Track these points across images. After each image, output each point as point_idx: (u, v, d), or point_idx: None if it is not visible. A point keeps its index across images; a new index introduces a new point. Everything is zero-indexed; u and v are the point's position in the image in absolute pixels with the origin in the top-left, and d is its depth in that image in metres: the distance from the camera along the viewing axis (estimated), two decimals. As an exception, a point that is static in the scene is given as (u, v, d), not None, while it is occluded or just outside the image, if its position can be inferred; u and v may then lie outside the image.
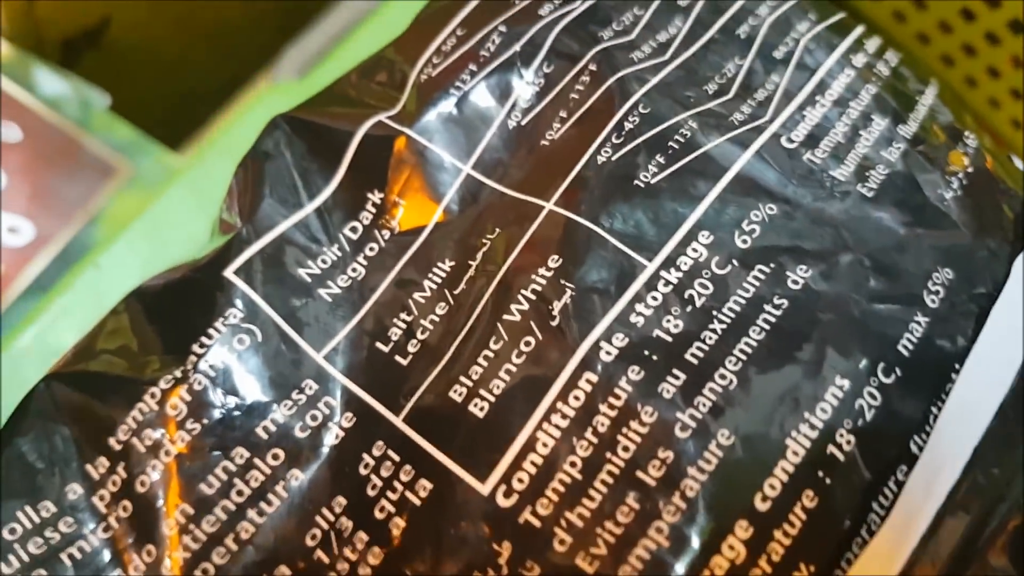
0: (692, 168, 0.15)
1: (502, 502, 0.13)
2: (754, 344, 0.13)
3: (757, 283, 0.14)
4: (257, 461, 0.15)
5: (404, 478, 0.14)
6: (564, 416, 0.13)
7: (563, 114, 0.17)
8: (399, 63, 0.18)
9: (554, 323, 0.14)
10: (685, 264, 0.14)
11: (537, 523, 0.13)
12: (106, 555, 0.14)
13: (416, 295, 0.16)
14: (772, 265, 0.14)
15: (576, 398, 0.13)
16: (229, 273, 0.16)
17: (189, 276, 0.16)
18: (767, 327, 0.14)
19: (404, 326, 0.15)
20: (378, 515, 0.14)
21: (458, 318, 0.15)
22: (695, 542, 0.12)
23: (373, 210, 0.17)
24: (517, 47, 0.17)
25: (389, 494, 0.14)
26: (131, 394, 0.15)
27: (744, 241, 0.14)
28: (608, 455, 0.13)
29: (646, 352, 0.14)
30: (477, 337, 0.15)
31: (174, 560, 0.14)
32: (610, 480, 0.13)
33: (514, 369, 0.14)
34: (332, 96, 0.18)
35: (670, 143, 0.16)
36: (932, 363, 0.13)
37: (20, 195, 0.26)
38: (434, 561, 0.13)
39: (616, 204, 0.15)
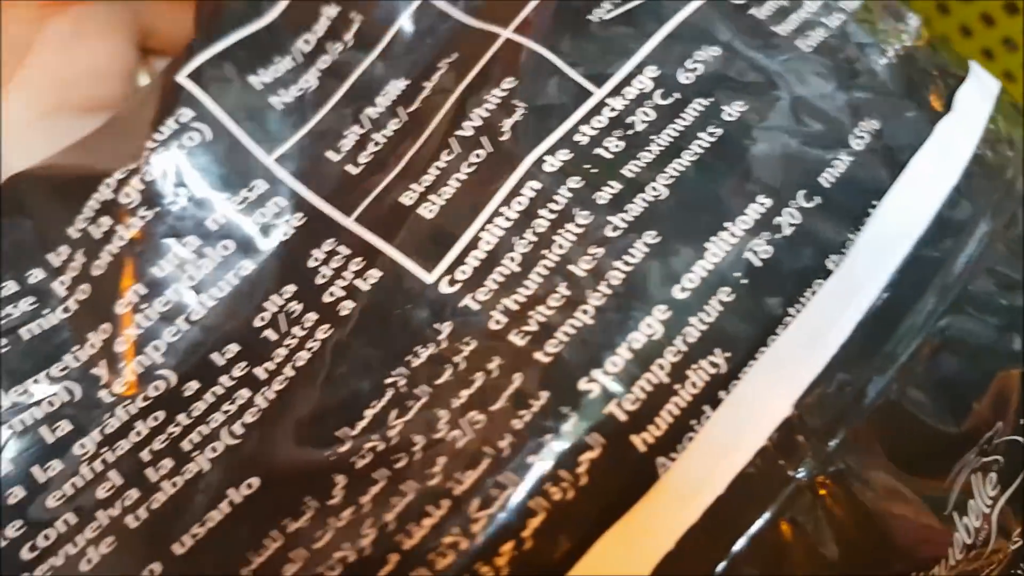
0: (645, 8, 0.16)
1: (445, 289, 0.14)
2: (685, 165, 0.14)
3: (696, 114, 0.15)
4: (207, 250, 0.15)
5: (353, 268, 0.15)
6: (507, 219, 0.14)
7: None
8: None
9: (503, 138, 0.15)
10: (630, 94, 0.15)
11: (476, 306, 0.14)
12: (64, 333, 0.15)
13: (368, 110, 0.16)
14: (710, 99, 0.15)
15: (519, 203, 0.14)
16: (181, 77, 0.16)
17: (147, 86, 0.17)
18: (700, 151, 0.15)
19: (356, 139, 0.16)
20: (326, 299, 0.15)
21: (411, 135, 0.16)
22: (615, 321, 0.13)
23: (327, 23, 0.17)
24: None
25: (338, 282, 0.15)
26: (88, 186, 0.16)
27: (687, 78, 0.15)
28: (544, 252, 0.14)
29: (586, 166, 0.14)
30: (430, 152, 0.15)
31: (127, 337, 0.15)
32: (544, 272, 0.14)
33: (464, 177, 0.15)
34: None
35: None
36: (852, 195, 0.14)
37: None
38: (380, 337, 0.14)
39: (570, 35, 0.16)
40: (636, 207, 0.14)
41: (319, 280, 0.15)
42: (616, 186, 0.14)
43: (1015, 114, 0.17)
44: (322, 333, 0.14)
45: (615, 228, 0.14)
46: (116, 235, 0.15)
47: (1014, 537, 0.15)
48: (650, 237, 0.14)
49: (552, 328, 0.13)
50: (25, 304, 0.15)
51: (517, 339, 0.13)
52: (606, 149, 0.15)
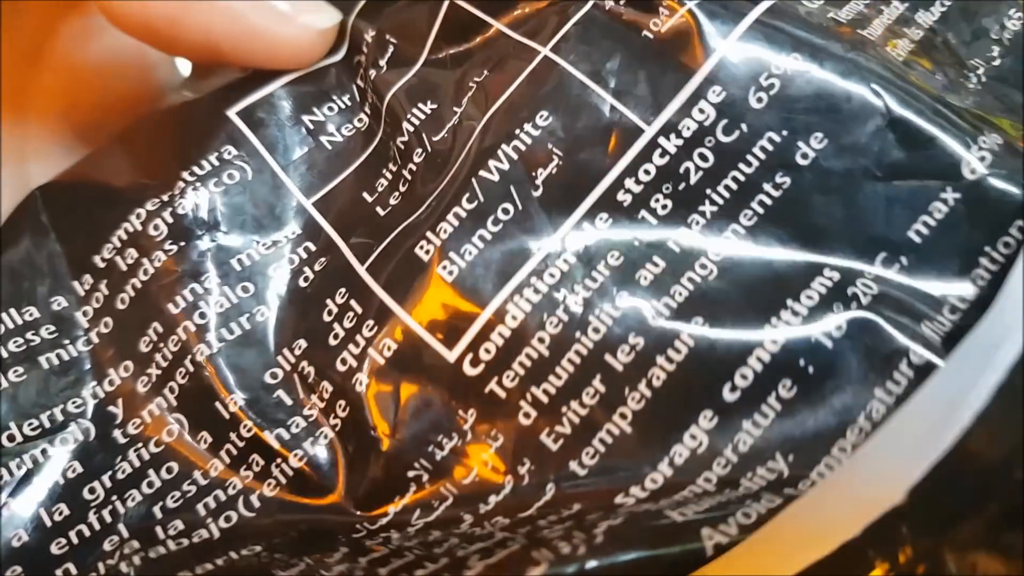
0: (708, 10, 0.13)
1: (468, 371, 0.13)
2: (742, 232, 0.13)
3: (763, 156, 0.13)
4: (227, 289, 0.15)
5: (367, 332, 0.13)
6: (537, 291, 0.13)
7: None
8: None
9: (537, 193, 0.13)
10: (687, 129, 0.13)
11: (503, 394, 0.13)
12: (85, 365, 0.15)
13: (398, 140, 0.15)
14: (784, 132, 0.13)
15: (552, 275, 0.13)
16: (232, 112, 0.16)
17: (191, 108, 0.16)
18: (761, 211, 0.13)
19: (390, 176, 0.15)
20: (340, 367, 0.13)
21: (435, 167, 0.14)
22: (657, 430, 0.12)
23: (366, 50, 0.16)
24: None
25: (351, 347, 0.13)
26: (118, 212, 0.15)
27: (759, 99, 0.13)
28: (578, 335, 0.12)
29: (628, 237, 0.13)
30: (453, 192, 0.14)
31: (148, 376, 0.14)
32: (577, 360, 0.12)
33: (488, 237, 0.13)
34: None
35: None
36: (955, 245, 0.12)
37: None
38: (397, 419, 0.13)
39: (620, 56, 0.14)
40: (682, 289, 0.12)
41: (332, 340, 0.14)
42: (660, 264, 0.13)
43: None
44: (341, 410, 0.13)
45: (657, 315, 0.12)
46: (141, 268, 0.15)
47: None
48: (697, 325, 0.12)
49: (587, 433, 0.12)
50: (45, 332, 0.15)
51: (549, 441, 0.12)
52: (652, 212, 0.13)
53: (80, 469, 0.14)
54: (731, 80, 0.13)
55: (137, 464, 0.14)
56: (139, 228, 0.15)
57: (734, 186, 0.13)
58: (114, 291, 0.15)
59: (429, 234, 0.13)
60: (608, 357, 0.12)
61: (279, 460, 0.13)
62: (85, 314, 0.15)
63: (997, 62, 0.14)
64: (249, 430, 0.14)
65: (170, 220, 0.15)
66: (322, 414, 0.14)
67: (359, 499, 0.13)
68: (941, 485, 0.11)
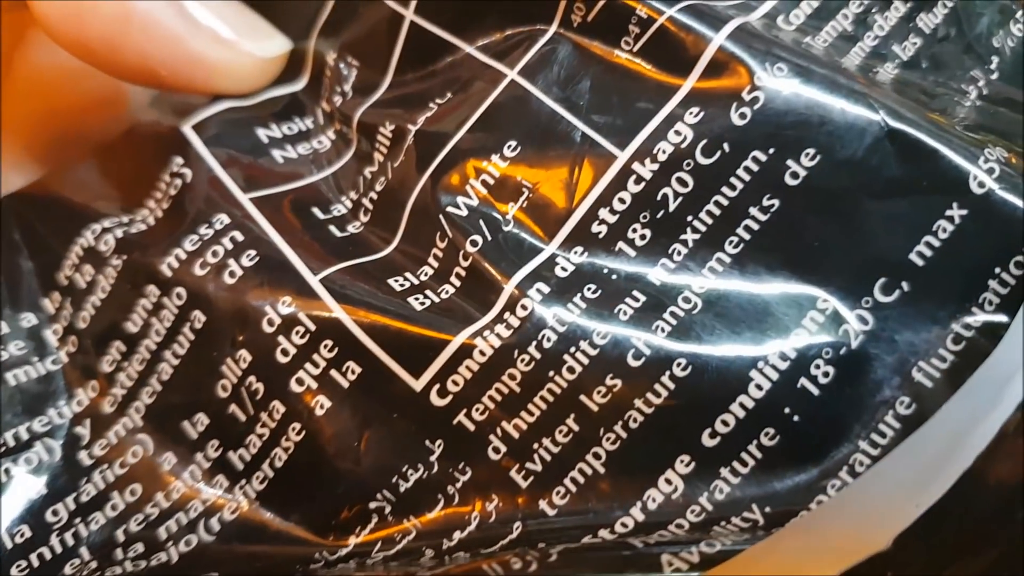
0: (683, 25, 0.12)
1: (436, 401, 0.12)
2: (727, 261, 0.12)
3: (748, 176, 0.12)
4: (165, 300, 0.14)
5: (325, 353, 0.13)
6: (509, 327, 0.12)
7: None
8: None
9: (507, 228, 0.13)
10: (663, 152, 0.12)
11: (471, 427, 0.12)
12: (55, 384, 0.14)
13: (365, 169, 0.15)
14: (771, 150, 0.12)
15: (524, 307, 0.12)
16: (186, 127, 0.15)
17: (152, 126, 0.16)
18: (747, 237, 0.12)
19: (350, 204, 0.15)
20: (295, 388, 0.13)
21: (399, 198, 0.14)
22: (632, 473, 0.11)
23: (330, 75, 0.16)
24: None
25: (308, 367, 0.13)
26: (76, 228, 0.15)
27: (742, 115, 0.12)
28: (551, 374, 0.12)
29: (605, 270, 0.12)
30: (425, 228, 0.13)
31: (113, 396, 0.14)
32: (551, 398, 0.12)
33: (463, 273, 0.13)
34: None
35: None
36: (961, 269, 0.11)
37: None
38: (361, 448, 0.12)
39: (589, 79, 0.13)
40: (664, 324, 0.12)
41: (280, 358, 0.13)
42: (640, 298, 0.12)
43: None
44: (295, 434, 0.13)
45: (637, 354, 0.12)
46: (99, 286, 0.14)
47: None
48: (678, 368, 0.11)
49: (558, 472, 0.12)
50: (14, 348, 0.15)
51: (519, 478, 0.12)
52: (630, 243, 0.12)
53: (44, 491, 0.14)
54: (709, 97, 0.12)
55: (101, 486, 0.14)
56: (92, 243, 0.15)
57: (717, 211, 0.12)
58: (76, 309, 0.15)
59: (407, 274, 0.13)
60: (583, 398, 0.12)
61: (243, 482, 0.13)
62: (55, 332, 0.15)
63: (986, 91, 0.13)
64: (215, 450, 0.13)
65: (119, 234, 0.15)
66: (276, 435, 0.13)
67: (319, 528, 0.12)
68: (930, 532, 0.11)
